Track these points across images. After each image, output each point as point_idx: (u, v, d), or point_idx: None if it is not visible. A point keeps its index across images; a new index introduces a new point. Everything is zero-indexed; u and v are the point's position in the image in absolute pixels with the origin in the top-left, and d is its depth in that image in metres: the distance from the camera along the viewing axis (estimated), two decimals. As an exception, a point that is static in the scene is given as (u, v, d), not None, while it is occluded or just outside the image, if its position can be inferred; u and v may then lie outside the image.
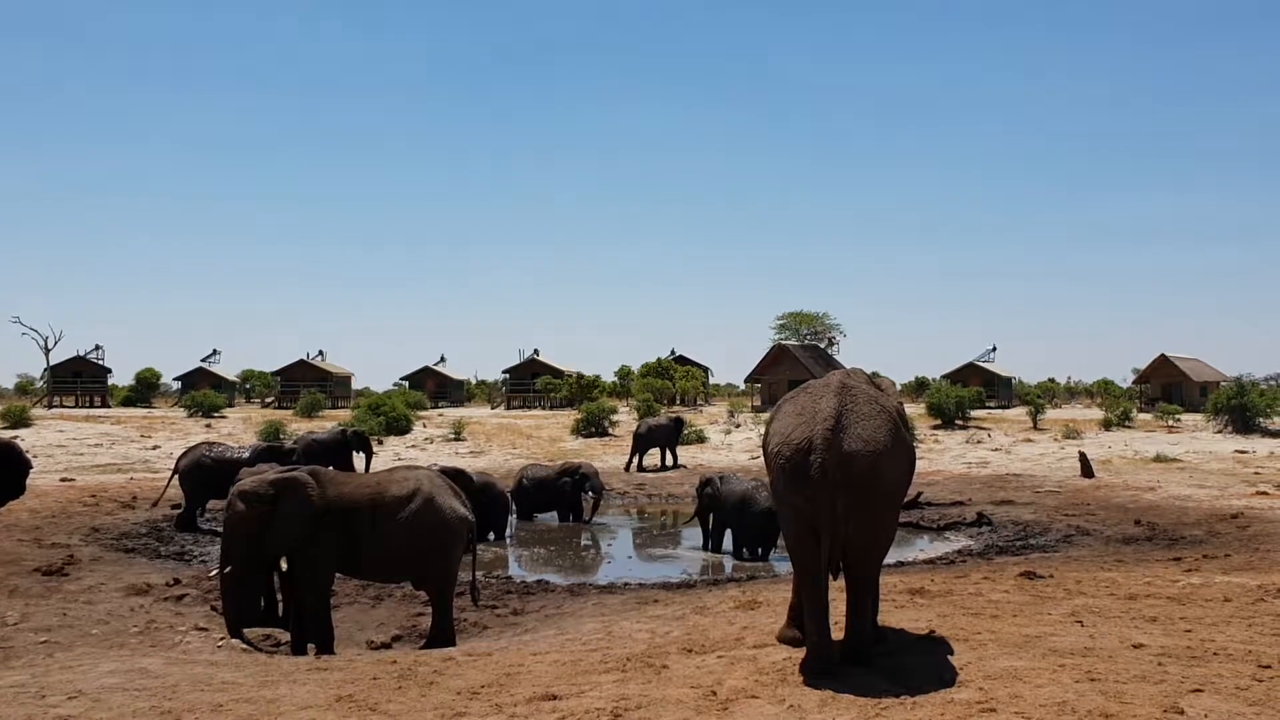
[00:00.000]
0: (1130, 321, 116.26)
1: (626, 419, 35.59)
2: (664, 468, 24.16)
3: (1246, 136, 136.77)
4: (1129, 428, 33.81)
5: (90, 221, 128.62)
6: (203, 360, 59.68)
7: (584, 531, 15.80)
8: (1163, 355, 52.82)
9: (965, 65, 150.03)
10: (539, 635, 7.91)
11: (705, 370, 60.92)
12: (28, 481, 11.02)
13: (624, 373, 60.44)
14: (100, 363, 53.19)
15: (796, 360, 52.69)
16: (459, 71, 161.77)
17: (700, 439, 29.68)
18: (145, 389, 54.25)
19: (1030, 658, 5.78)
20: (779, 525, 7.56)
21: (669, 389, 50.41)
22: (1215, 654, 5.85)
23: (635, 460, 24.09)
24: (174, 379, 59.11)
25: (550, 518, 16.66)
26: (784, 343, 56.78)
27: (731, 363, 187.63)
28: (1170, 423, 34.61)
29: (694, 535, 14.07)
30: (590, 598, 9.73)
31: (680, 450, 25.34)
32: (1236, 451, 25.53)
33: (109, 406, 48.86)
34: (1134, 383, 56.84)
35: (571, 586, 10.53)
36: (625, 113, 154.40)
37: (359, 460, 19.64)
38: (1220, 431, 31.07)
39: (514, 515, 16.32)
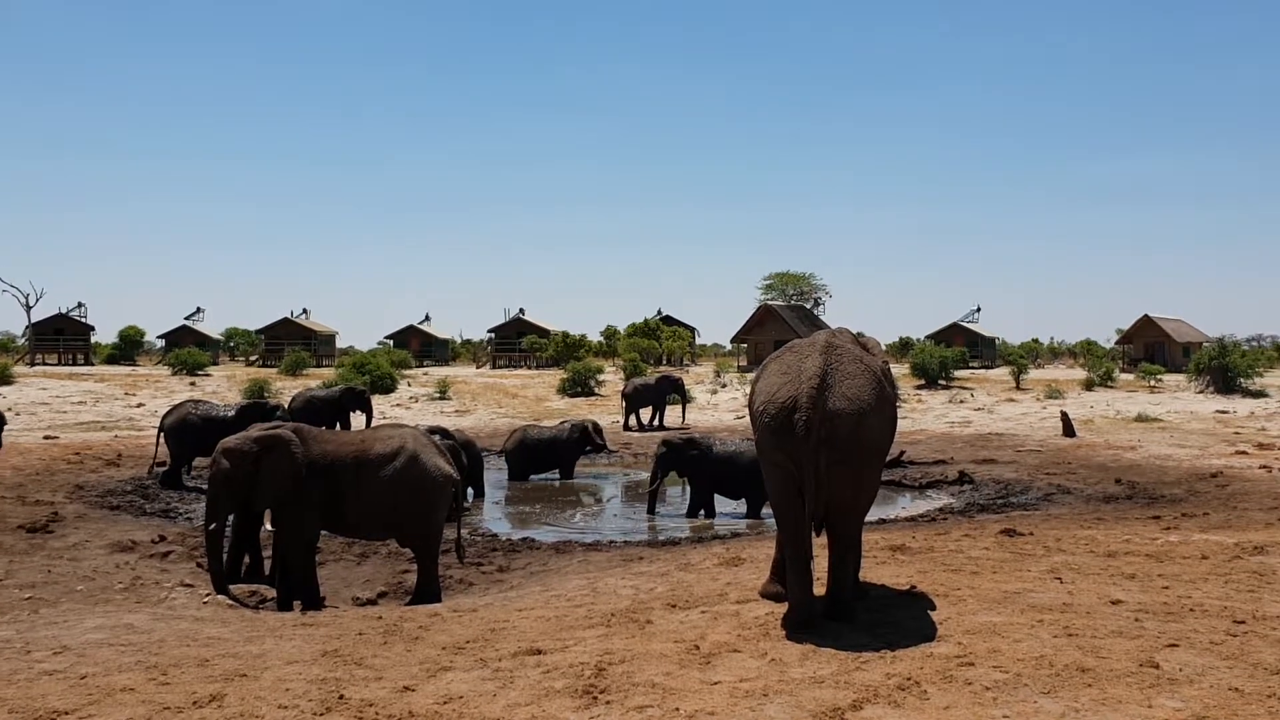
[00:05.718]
0: (1114, 282, 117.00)
1: (613, 379, 35.60)
2: (650, 427, 24.25)
3: (1232, 98, 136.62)
4: (1111, 388, 34.10)
5: (73, 178, 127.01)
6: (186, 318, 59.29)
7: (569, 490, 15.85)
8: (1146, 316, 53.15)
9: (950, 25, 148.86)
10: (524, 592, 7.96)
11: (692, 330, 60.87)
12: (4, 438, 10.94)
13: (610, 333, 60.32)
14: (83, 320, 52.74)
15: (782, 320, 52.76)
16: (447, 30, 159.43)
17: (687, 399, 29.76)
18: (129, 347, 53.81)
19: (1009, 613, 5.85)
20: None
21: (655, 349, 50.41)
22: (1192, 610, 5.94)
23: (631, 419, 24.42)
24: (157, 337, 58.71)
25: (543, 478, 16.65)
26: (770, 303, 56.81)
27: (718, 323, 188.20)
28: (1152, 383, 34.90)
29: (678, 494, 14.13)
30: (575, 555, 9.78)
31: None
32: (1217, 411, 25.78)
33: (92, 364, 48.52)
34: (1117, 343, 57.21)
35: (557, 544, 10.56)
36: (613, 73, 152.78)
37: (359, 420, 19.60)
38: (1202, 392, 31.34)
39: (507, 476, 16.33)
